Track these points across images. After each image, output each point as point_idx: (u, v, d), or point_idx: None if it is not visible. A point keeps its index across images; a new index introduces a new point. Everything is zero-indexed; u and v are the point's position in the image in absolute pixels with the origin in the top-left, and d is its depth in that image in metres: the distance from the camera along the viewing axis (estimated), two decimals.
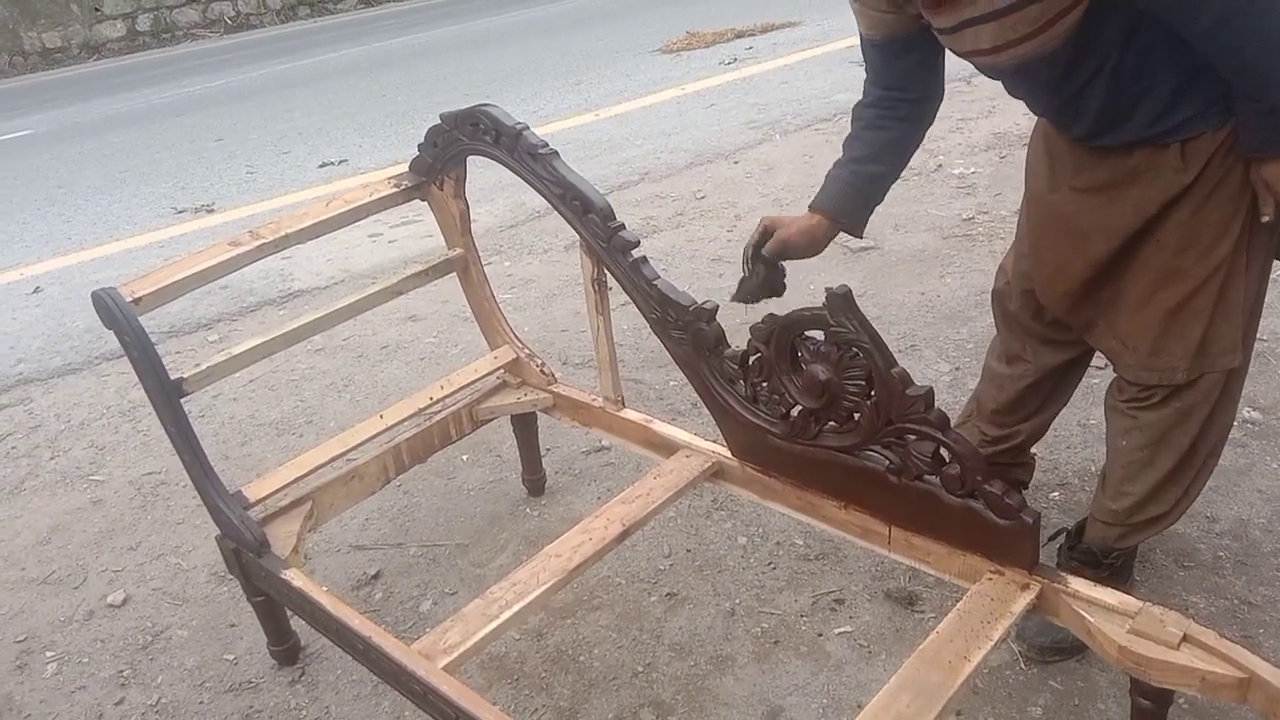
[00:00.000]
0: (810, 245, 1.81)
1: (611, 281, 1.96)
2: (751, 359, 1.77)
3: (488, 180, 4.45)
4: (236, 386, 3.10)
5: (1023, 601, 1.52)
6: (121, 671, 2.09)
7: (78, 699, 2.04)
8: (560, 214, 1.99)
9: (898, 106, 1.74)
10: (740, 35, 7.84)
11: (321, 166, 5.51)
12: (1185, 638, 1.40)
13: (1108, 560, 1.84)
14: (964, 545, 1.61)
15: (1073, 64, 1.45)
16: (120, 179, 5.86)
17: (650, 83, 6.57)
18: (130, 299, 1.83)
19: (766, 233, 1.84)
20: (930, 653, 1.45)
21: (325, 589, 1.75)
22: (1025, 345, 1.92)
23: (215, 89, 8.69)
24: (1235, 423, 2.31)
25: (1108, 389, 1.80)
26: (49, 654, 2.16)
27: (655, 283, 1.88)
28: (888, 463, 1.64)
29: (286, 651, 2.05)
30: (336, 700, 1.95)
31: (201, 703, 1.99)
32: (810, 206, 1.82)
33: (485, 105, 2.02)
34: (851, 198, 1.79)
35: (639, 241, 1.91)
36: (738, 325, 1.76)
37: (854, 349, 1.60)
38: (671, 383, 2.79)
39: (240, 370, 1.97)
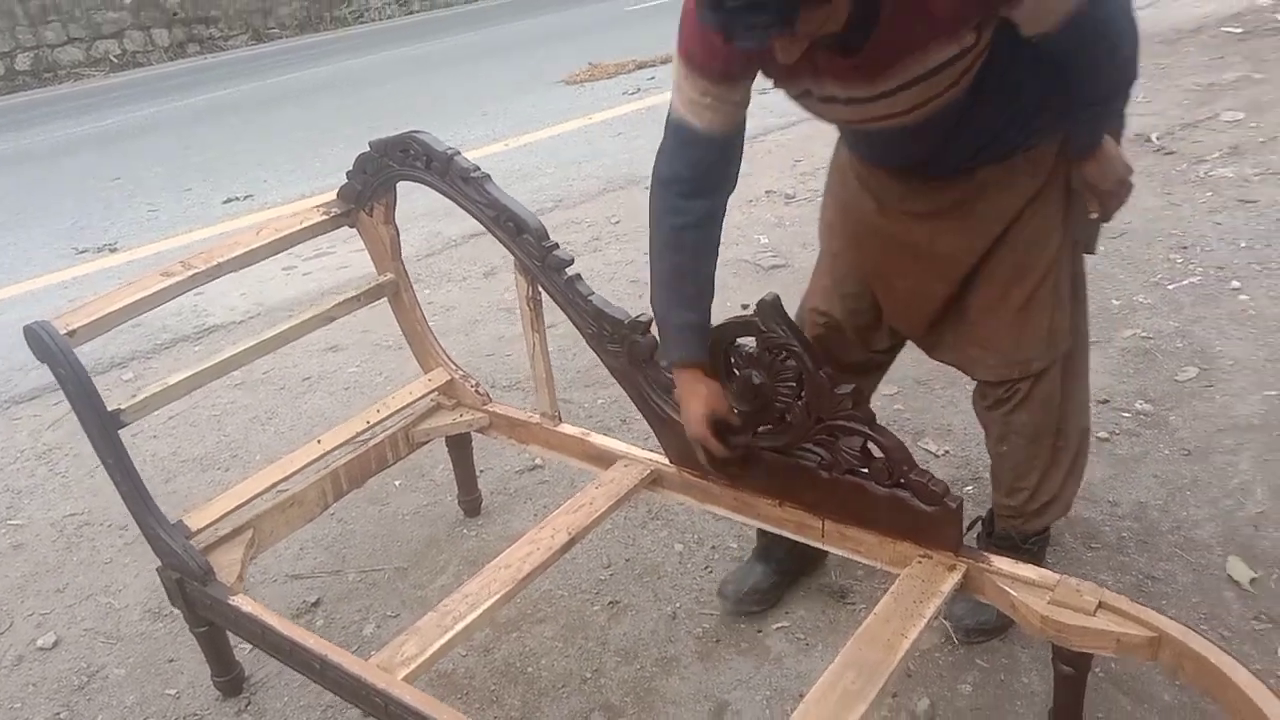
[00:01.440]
0: (715, 399, 1.72)
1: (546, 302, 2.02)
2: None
3: (401, 210, 4.45)
4: (157, 424, 3.04)
5: (951, 581, 1.62)
6: (58, 714, 2.05)
7: None
8: (494, 235, 2.06)
9: (715, 214, 1.66)
10: (641, 66, 7.99)
11: (226, 202, 5.44)
12: (1100, 605, 1.52)
13: (1026, 545, 1.96)
14: (893, 533, 1.71)
15: (967, 107, 1.50)
16: (15, 221, 5.67)
17: (557, 113, 6.66)
18: (64, 331, 1.82)
19: (707, 433, 1.73)
20: (870, 634, 1.54)
21: (275, 612, 1.76)
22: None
23: (106, 128, 8.46)
24: (1129, 414, 2.50)
25: (973, 398, 1.88)
26: None
27: (590, 299, 1.96)
28: (819, 459, 1.74)
29: (231, 682, 2.03)
30: None
31: None
32: (681, 364, 1.73)
33: (415, 132, 2.08)
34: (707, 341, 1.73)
35: (573, 260, 1.98)
36: None
37: (784, 353, 1.69)
38: (600, 400, 2.86)
39: (178, 399, 1.97)
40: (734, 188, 1.66)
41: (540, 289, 2.05)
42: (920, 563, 1.66)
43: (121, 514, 2.66)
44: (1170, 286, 3.10)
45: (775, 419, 1.76)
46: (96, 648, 2.22)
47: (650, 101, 6.70)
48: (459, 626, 1.67)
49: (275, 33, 14.00)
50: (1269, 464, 2.29)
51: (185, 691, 2.07)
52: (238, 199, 5.46)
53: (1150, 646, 1.48)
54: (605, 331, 1.95)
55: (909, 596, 1.60)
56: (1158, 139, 4.29)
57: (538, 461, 2.66)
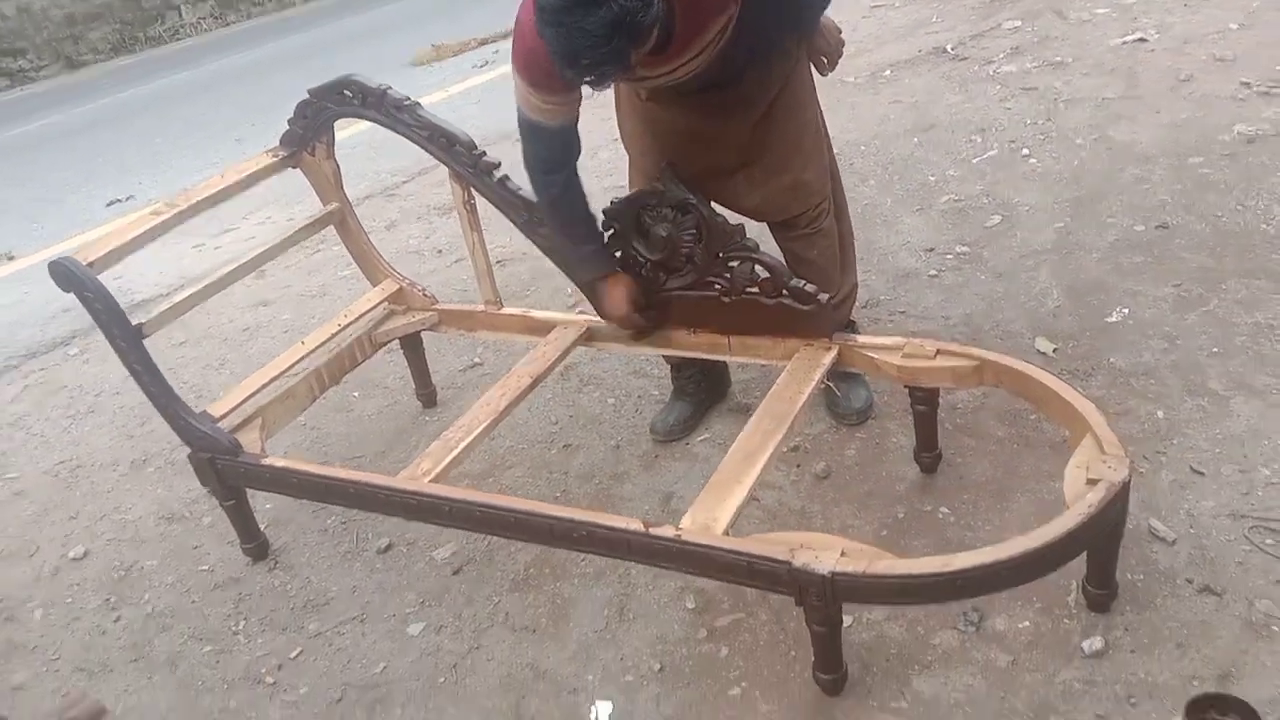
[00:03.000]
0: (632, 288, 2.24)
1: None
2: (607, 235, 2.33)
3: (291, 190, 4.75)
4: (118, 381, 3.32)
5: (829, 357, 2.15)
6: (108, 600, 2.39)
7: (75, 627, 2.33)
8: (429, 152, 2.47)
9: (574, 176, 2.13)
10: (484, 43, 8.32)
11: (109, 205, 5.58)
12: (939, 351, 2.07)
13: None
14: (782, 334, 2.22)
15: (730, 43, 1.88)
16: None
17: (415, 89, 6.76)
18: (86, 263, 2.16)
19: (632, 313, 2.25)
20: (775, 396, 2.06)
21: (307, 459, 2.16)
22: None
23: None
24: (951, 256, 3.10)
25: (776, 235, 2.35)
26: (30, 604, 2.42)
27: (519, 192, 2.40)
28: (720, 288, 2.24)
29: (258, 547, 2.42)
30: (314, 572, 2.35)
31: (194, 602, 2.33)
32: (599, 277, 2.24)
33: (350, 75, 2.48)
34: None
35: (500, 163, 2.42)
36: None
37: (686, 208, 2.18)
38: None
39: (189, 311, 2.34)
40: (580, 152, 2.10)
41: (474, 193, 2.48)
42: (805, 349, 2.18)
43: (110, 454, 3.00)
44: (974, 161, 3.74)
45: (682, 262, 2.25)
46: (124, 550, 2.56)
47: (501, 71, 7.06)
48: (462, 445, 2.12)
49: (89, 58, 13.52)
50: (1060, 273, 2.93)
51: (217, 565, 2.44)
52: (120, 200, 5.61)
53: (977, 372, 2.04)
54: (535, 218, 2.39)
55: (800, 371, 2.12)
56: (952, 49, 4.97)
57: (476, 359, 3.09)
